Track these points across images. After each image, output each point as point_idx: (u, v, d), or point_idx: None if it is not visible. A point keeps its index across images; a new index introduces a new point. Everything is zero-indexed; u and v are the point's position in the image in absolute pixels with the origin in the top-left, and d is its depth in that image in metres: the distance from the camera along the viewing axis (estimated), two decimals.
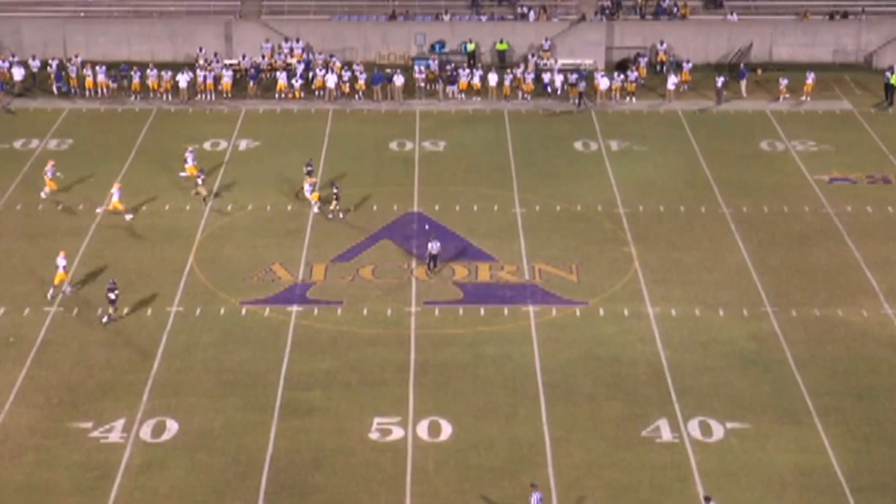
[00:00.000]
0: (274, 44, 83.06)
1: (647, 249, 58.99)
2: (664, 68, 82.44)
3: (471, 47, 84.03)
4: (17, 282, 55.23)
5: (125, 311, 53.27)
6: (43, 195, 61.89)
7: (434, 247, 56.27)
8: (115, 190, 61.50)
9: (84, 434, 45.37)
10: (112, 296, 52.25)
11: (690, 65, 79.78)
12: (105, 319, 52.17)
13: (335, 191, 61.99)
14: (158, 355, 50.29)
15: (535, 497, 40.64)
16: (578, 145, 71.62)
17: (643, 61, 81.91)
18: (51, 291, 53.93)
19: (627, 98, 77.75)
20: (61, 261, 54.30)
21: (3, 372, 49.00)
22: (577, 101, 77.40)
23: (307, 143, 71.11)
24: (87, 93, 78.10)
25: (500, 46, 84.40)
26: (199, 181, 63.22)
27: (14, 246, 58.49)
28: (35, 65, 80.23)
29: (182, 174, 64.99)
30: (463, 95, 78.81)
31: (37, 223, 61.20)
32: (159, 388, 48.18)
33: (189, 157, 65.23)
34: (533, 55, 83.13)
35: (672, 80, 78.70)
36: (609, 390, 48.22)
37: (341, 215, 61.57)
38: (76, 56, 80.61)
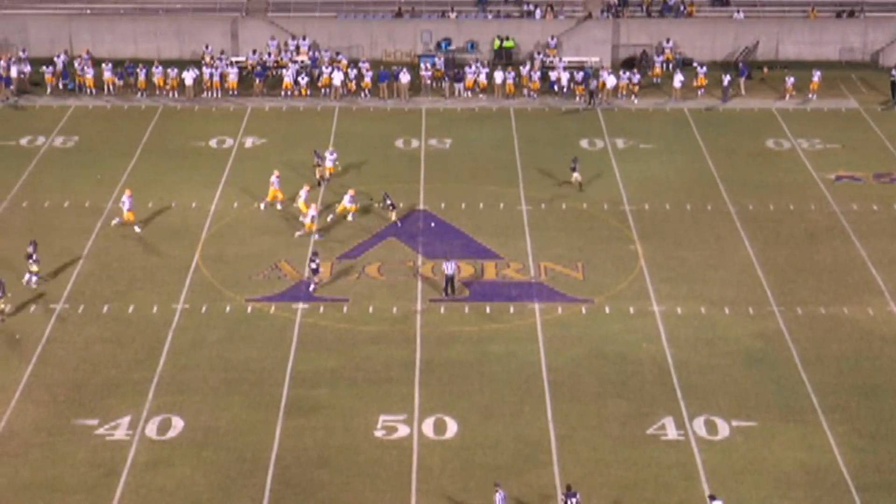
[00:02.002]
0: (280, 41, 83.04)
1: (652, 247, 58.97)
2: (670, 66, 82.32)
3: (508, 44, 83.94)
4: (22, 279, 55.25)
5: (130, 308, 53.33)
6: (115, 223, 60.51)
7: (449, 267, 54.71)
8: (125, 198, 60.19)
9: (90, 431, 45.41)
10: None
11: (705, 69, 79.39)
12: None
13: (389, 202, 60.66)
14: (164, 353, 50.32)
15: (498, 496, 40.68)
16: (584, 143, 71.59)
17: (659, 60, 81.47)
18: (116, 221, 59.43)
19: (632, 98, 77.55)
20: (126, 199, 58.89)
21: (9, 369, 49.06)
22: (587, 98, 77.30)
23: (313, 141, 71.06)
24: (91, 91, 77.90)
25: (505, 44, 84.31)
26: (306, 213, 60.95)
27: (19, 243, 58.35)
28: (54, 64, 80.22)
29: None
30: (469, 93, 78.74)
31: (42, 221, 61.21)
32: (165, 385, 48.21)
33: (275, 181, 62.13)
34: (539, 53, 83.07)
35: (678, 79, 78.62)
36: (615, 388, 48.21)
37: (399, 224, 60.70)
38: (86, 53, 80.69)
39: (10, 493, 42.17)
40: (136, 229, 59.89)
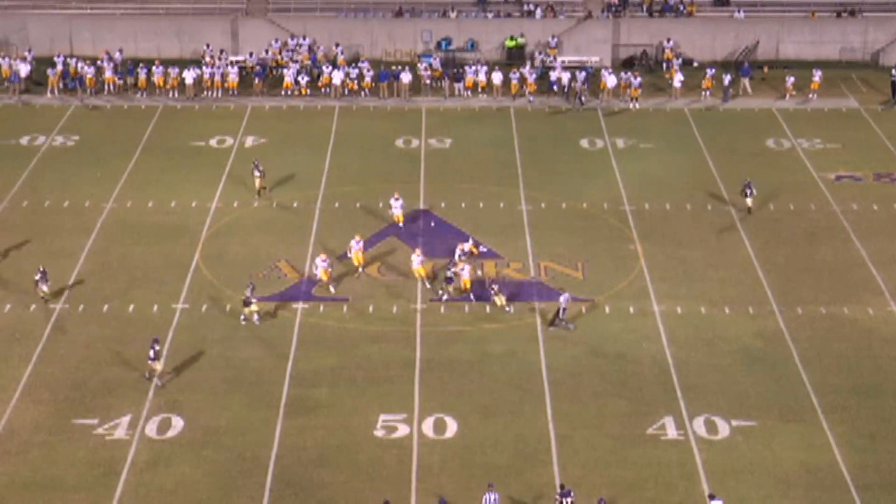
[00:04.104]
0: (280, 41, 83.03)
1: (652, 247, 58.96)
2: (670, 66, 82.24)
3: (521, 41, 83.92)
4: (23, 278, 55.13)
5: (130, 307, 53.35)
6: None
7: (565, 300, 52.29)
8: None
9: (90, 431, 45.42)
10: (151, 353, 48.28)
11: (713, 71, 79.25)
12: (157, 382, 48.21)
13: (494, 288, 53.94)
14: (164, 352, 50.28)
15: (490, 497, 40.68)
16: (584, 143, 71.58)
17: (677, 64, 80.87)
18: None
19: (631, 103, 77.34)
20: (321, 262, 54.72)
21: (9, 368, 49.06)
22: (572, 98, 77.20)
23: (313, 140, 71.14)
24: (90, 90, 77.92)
25: (508, 43, 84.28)
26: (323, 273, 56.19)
27: (20, 242, 58.47)
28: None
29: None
30: (469, 92, 78.73)
31: (43, 220, 61.20)
32: (166, 384, 48.16)
33: (321, 264, 55.25)
34: (539, 52, 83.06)
35: (679, 78, 78.59)
36: (615, 388, 48.21)
37: (495, 290, 54.20)
38: (119, 52, 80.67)
39: (10, 493, 42.17)
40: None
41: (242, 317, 52.28)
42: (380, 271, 56.67)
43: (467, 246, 57.36)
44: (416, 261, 55.68)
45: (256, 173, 63.49)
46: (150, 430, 45.52)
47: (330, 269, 54.90)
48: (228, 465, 43.74)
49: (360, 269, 56.40)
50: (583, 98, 77.04)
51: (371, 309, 53.53)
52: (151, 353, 47.73)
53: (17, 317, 52.71)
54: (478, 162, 68.93)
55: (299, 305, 53.90)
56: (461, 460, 44.05)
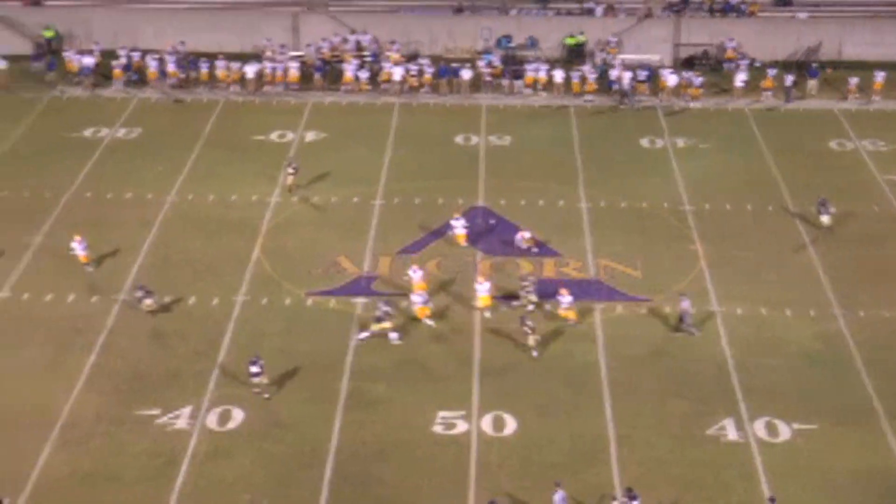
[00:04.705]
0: (341, 36, 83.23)
1: (712, 247, 58.72)
2: (731, 66, 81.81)
3: (581, 39, 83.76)
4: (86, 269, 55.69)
5: (191, 300, 53.67)
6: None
7: (685, 303, 52.06)
8: (75, 243, 56.36)
9: (151, 421, 45.80)
10: (256, 369, 47.69)
11: (775, 71, 78.77)
12: (266, 396, 47.69)
13: (529, 326, 50.89)
14: (224, 344, 50.62)
15: (558, 496, 40.70)
16: (644, 142, 71.34)
17: (744, 64, 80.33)
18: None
19: (691, 103, 76.99)
20: (419, 299, 53.02)
21: (72, 359, 49.50)
22: (626, 97, 76.90)
23: (373, 136, 71.27)
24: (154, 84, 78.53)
25: (569, 41, 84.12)
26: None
27: (83, 234, 58.84)
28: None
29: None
30: (529, 90, 78.64)
31: (105, 212, 61.67)
32: (226, 376, 48.48)
33: (419, 301, 53.08)
34: (599, 51, 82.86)
35: (740, 78, 78.20)
36: (674, 388, 48.11)
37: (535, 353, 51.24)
38: (181, 43, 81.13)
39: (73, 482, 42.60)
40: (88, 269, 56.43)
41: (367, 334, 51.38)
42: (439, 268, 56.70)
43: (527, 234, 57.43)
44: (417, 276, 54.21)
45: (290, 170, 63.65)
46: (211, 421, 45.84)
47: (429, 305, 52.80)
48: (287, 459, 43.98)
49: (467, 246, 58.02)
50: (630, 98, 76.73)
51: (430, 305, 53.55)
52: (256, 369, 47.11)
53: (80, 308, 53.14)
54: (537, 160, 68.85)
55: (359, 300, 54.04)
56: (519, 458, 44.11)
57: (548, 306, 53.15)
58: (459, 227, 58.64)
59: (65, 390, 47.43)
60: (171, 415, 46.05)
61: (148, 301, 51.95)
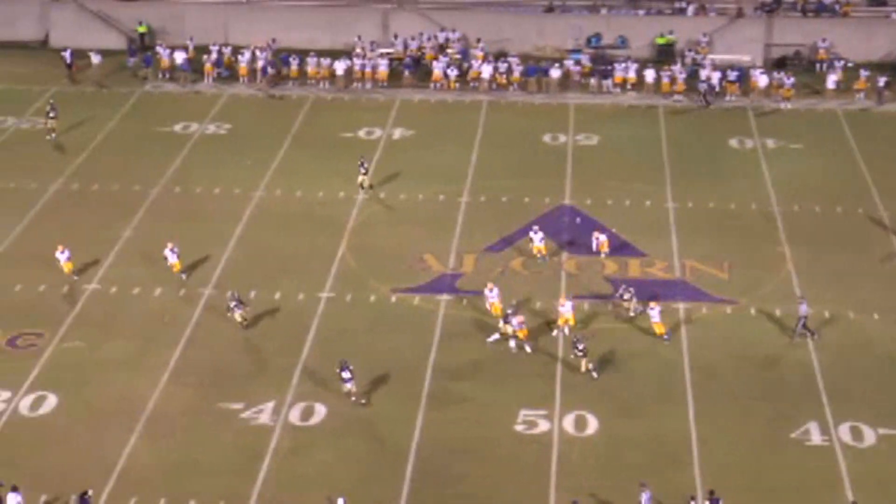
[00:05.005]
0: (430, 33, 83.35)
1: (800, 250, 58.12)
2: (824, 67, 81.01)
3: (671, 38, 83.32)
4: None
5: (276, 295, 54.00)
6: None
7: (803, 309, 51.26)
8: (168, 251, 55.44)
9: (235, 415, 46.12)
10: (346, 374, 46.99)
11: (867, 72, 77.81)
12: (362, 402, 47.15)
13: (581, 347, 49.11)
14: (309, 340, 50.89)
15: (644, 496, 40.50)
16: (734, 142, 70.79)
17: (864, 74, 78.82)
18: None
19: (782, 103, 76.22)
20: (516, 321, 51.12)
21: (158, 351, 50.00)
22: (703, 98, 76.29)
23: (460, 134, 71.32)
24: (244, 79, 79.00)
25: (659, 40, 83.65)
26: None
27: (172, 228, 59.51)
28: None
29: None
30: (618, 89, 78.29)
31: (194, 206, 62.24)
32: (309, 372, 48.74)
33: (515, 323, 50.82)
34: (689, 51, 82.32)
35: (832, 79, 77.36)
36: (758, 391, 47.70)
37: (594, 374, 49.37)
38: (272, 40, 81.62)
39: (157, 474, 43.01)
40: (74, 277, 55.21)
41: (496, 337, 50.88)
42: (524, 266, 56.61)
43: (603, 237, 57.18)
44: (492, 296, 52.66)
45: (361, 170, 63.58)
46: (294, 416, 46.08)
47: (525, 327, 50.95)
48: (369, 455, 44.12)
49: (543, 257, 57.01)
50: (708, 98, 76.16)
51: (514, 303, 53.48)
52: (346, 374, 46.79)
53: (167, 301, 53.65)
54: (625, 159, 68.56)
55: (443, 298, 54.10)
56: (601, 458, 43.97)
57: (640, 308, 52.76)
58: (538, 239, 57.49)
59: (151, 383, 47.91)
60: (254, 409, 46.34)
61: (238, 311, 51.49)
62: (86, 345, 50.60)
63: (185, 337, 51.07)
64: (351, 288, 54.81)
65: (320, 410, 46.39)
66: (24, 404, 46.70)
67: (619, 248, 58.19)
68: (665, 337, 50.77)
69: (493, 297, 52.35)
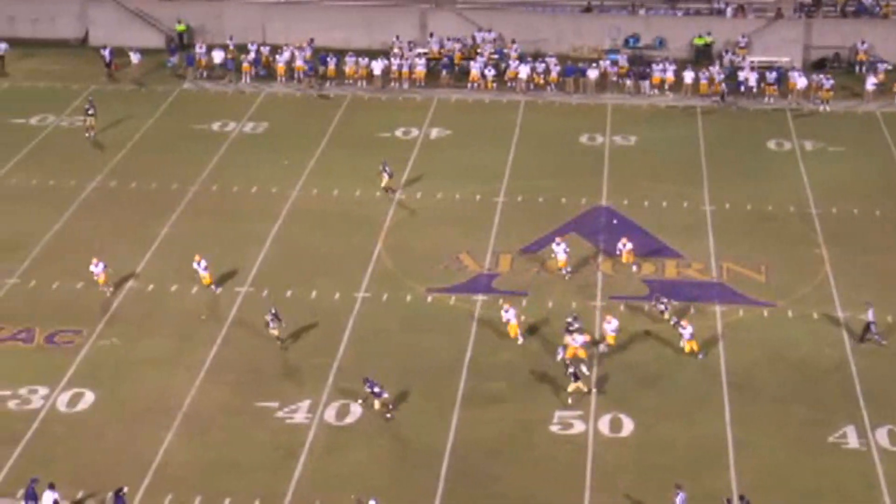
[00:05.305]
0: (467, 33, 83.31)
1: (839, 252, 57.83)
2: (863, 68, 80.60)
3: (709, 39, 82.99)
4: (211, 262, 56.13)
5: (313, 294, 54.07)
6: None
7: (871, 314, 50.65)
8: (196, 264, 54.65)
9: (270, 414, 46.20)
10: (376, 389, 46.25)
11: None
12: (390, 416, 46.33)
13: (573, 370, 47.50)
14: (344, 339, 50.94)
15: (679, 498, 40.36)
16: (772, 144, 70.50)
17: (882, 67, 78.31)
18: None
19: (821, 105, 75.79)
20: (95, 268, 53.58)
21: (194, 349, 50.15)
22: (721, 97, 75.94)
23: (497, 134, 71.30)
24: (281, 79, 79.16)
25: (698, 41, 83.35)
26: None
27: (207, 226, 59.77)
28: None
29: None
30: (656, 90, 78.06)
31: (231, 205, 62.41)
32: (344, 371, 48.76)
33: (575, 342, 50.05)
34: (727, 52, 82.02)
35: (871, 81, 76.95)
36: (795, 394, 47.47)
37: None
38: (311, 40, 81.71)
39: (194, 471, 43.12)
40: (216, 290, 54.79)
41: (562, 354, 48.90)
42: (560, 267, 56.48)
43: (630, 245, 56.51)
44: (510, 314, 51.19)
45: (385, 173, 63.44)
46: (329, 415, 46.12)
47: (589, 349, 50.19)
48: (404, 455, 44.14)
49: (566, 271, 55.71)
50: (726, 98, 75.82)
51: (550, 304, 53.47)
52: (375, 390, 46.19)
53: (204, 299, 53.78)
54: (662, 160, 68.39)
55: (479, 298, 54.08)
56: (636, 460, 43.84)
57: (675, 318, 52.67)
58: (560, 251, 55.96)
59: (187, 381, 48.05)
60: (289, 408, 46.41)
61: (274, 326, 50.61)
62: (122, 342, 50.78)
63: (222, 335, 51.19)
64: (387, 287, 54.84)
65: (355, 410, 46.42)
66: (62, 401, 46.92)
67: (656, 249, 58.04)
68: (700, 356, 49.88)
69: (509, 317, 51.09)
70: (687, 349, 49.85)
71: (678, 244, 58.59)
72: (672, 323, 51.15)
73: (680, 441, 44.77)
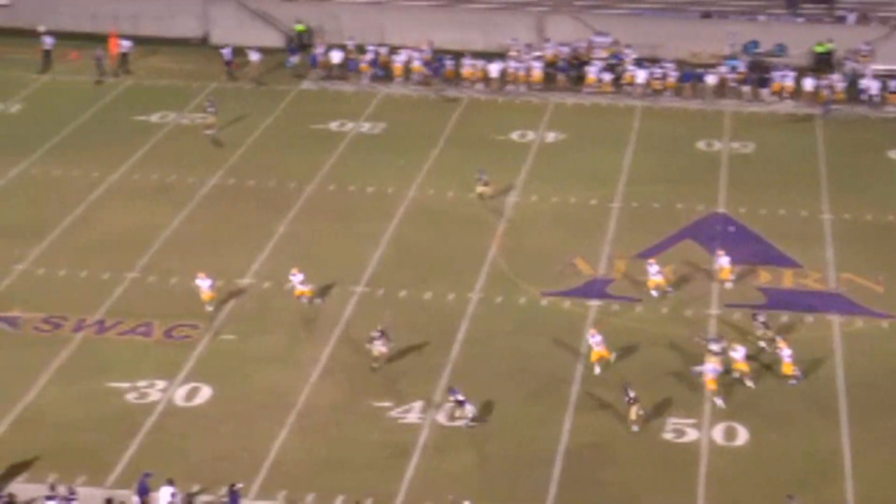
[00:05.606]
0: (585, 37, 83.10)
1: None
2: None
3: (830, 46, 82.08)
4: (326, 261, 56.73)
5: (427, 294, 54.25)
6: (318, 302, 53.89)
7: None
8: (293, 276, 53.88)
9: (383, 413, 46.41)
10: (459, 397, 45.92)
11: None
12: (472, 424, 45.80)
13: (631, 397, 45.74)
14: (458, 340, 51.05)
15: None
16: (893, 154, 69.50)
17: None
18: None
19: None
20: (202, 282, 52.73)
21: (310, 347, 50.54)
22: (826, 105, 74.94)
23: (613, 138, 71.07)
24: (399, 79, 79.57)
25: (818, 48, 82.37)
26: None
27: (325, 225, 60.21)
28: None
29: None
30: (776, 98, 77.25)
31: (347, 204, 62.82)
32: (457, 372, 48.86)
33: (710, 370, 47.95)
34: (848, 59, 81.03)
35: None
36: None
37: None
38: (430, 43, 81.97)
39: (306, 468, 43.43)
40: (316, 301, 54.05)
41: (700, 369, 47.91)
42: (675, 273, 56.10)
43: (727, 261, 55.16)
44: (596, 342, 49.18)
45: (481, 181, 63.10)
46: (441, 416, 46.20)
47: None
48: (514, 457, 44.11)
49: (660, 291, 54.31)
50: (828, 107, 74.81)
51: (665, 311, 53.19)
52: (459, 398, 45.73)
53: (320, 298, 54.13)
54: (780, 168, 67.71)
55: (593, 302, 53.93)
56: (751, 470, 43.45)
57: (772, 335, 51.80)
58: (654, 272, 54.09)
59: (301, 378, 48.42)
60: (402, 408, 46.58)
61: (381, 343, 49.15)
62: (238, 338, 51.31)
63: (336, 334, 51.53)
64: (501, 289, 54.88)
65: (468, 411, 46.45)
66: (179, 395, 47.54)
67: (773, 258, 57.51)
68: (793, 381, 48.38)
69: (593, 343, 48.98)
70: (786, 371, 48.47)
71: (796, 253, 57.98)
72: (762, 345, 49.95)
73: (795, 452, 44.28)
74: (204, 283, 53.02)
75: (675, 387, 47.90)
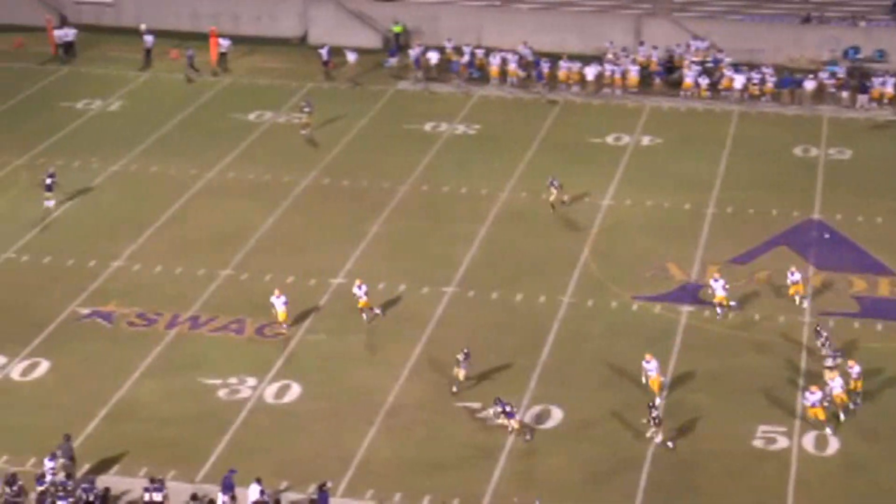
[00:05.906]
0: (682, 41, 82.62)
1: None
2: None
3: None
4: (419, 260, 56.95)
5: (518, 296, 54.26)
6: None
7: None
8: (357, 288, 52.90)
9: (471, 414, 46.49)
10: (508, 408, 45.33)
11: None
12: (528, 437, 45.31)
13: (654, 418, 45.28)
14: (548, 343, 51.03)
15: None
16: None
17: None
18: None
19: None
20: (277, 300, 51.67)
21: (400, 347, 50.75)
22: None
23: (709, 143, 70.63)
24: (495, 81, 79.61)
25: None
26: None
27: (417, 225, 60.44)
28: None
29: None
30: (875, 104, 76.37)
31: (440, 205, 63.00)
32: (547, 375, 48.88)
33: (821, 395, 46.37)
34: None
35: None
36: None
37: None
38: (524, 45, 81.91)
39: (393, 467, 43.64)
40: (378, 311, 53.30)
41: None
42: (769, 279, 55.66)
43: (798, 276, 53.92)
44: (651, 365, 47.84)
45: (553, 187, 62.57)
46: (530, 418, 46.20)
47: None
48: (602, 461, 44.03)
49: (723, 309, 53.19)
50: None
51: (757, 317, 52.80)
52: (507, 409, 45.07)
53: (411, 297, 54.36)
54: (879, 176, 66.89)
55: (684, 308, 53.66)
56: (840, 479, 43.06)
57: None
58: (719, 288, 52.77)
59: (390, 377, 48.65)
60: (490, 409, 46.61)
61: (464, 366, 47.92)
62: (328, 337, 51.65)
63: (427, 334, 51.70)
64: (592, 293, 54.79)
65: (556, 414, 46.47)
66: (270, 392, 47.95)
67: (869, 266, 56.94)
68: (852, 404, 46.80)
69: (649, 369, 47.50)
70: (852, 386, 47.09)
71: (893, 262, 57.26)
72: (827, 365, 48.43)
73: (887, 463, 43.80)
74: (278, 301, 51.97)
75: (766, 394, 47.52)
